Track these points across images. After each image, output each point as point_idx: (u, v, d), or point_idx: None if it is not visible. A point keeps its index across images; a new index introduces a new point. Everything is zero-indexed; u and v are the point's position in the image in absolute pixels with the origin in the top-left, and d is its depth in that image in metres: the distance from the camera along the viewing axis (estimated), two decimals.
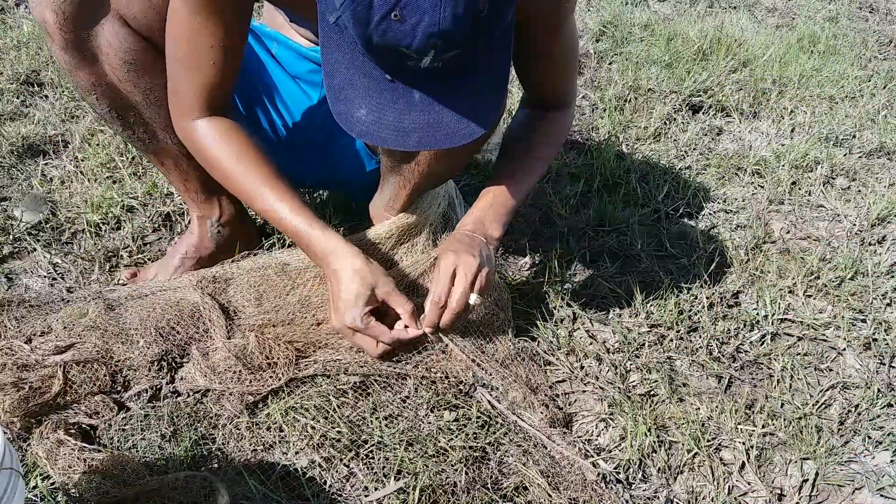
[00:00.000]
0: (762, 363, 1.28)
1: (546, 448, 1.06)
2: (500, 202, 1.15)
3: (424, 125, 0.85)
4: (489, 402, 1.11)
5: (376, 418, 1.06)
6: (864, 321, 1.38)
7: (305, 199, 1.11)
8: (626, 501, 1.01)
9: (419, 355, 1.14)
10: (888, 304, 1.44)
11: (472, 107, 0.87)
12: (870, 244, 1.63)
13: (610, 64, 2.45)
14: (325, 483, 0.99)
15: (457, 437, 1.05)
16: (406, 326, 1.07)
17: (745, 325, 1.36)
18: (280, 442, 1.03)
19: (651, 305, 1.37)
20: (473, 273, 1.04)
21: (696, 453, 1.09)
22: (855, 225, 1.68)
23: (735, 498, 1.04)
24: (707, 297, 1.39)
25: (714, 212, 1.72)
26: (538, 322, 1.29)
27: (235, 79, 1.07)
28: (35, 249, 1.39)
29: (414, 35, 0.74)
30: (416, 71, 0.80)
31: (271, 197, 1.06)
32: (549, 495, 0.99)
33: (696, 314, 1.37)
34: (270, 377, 1.07)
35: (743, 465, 1.09)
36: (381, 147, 1.18)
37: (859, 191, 1.83)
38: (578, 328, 1.31)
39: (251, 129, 1.11)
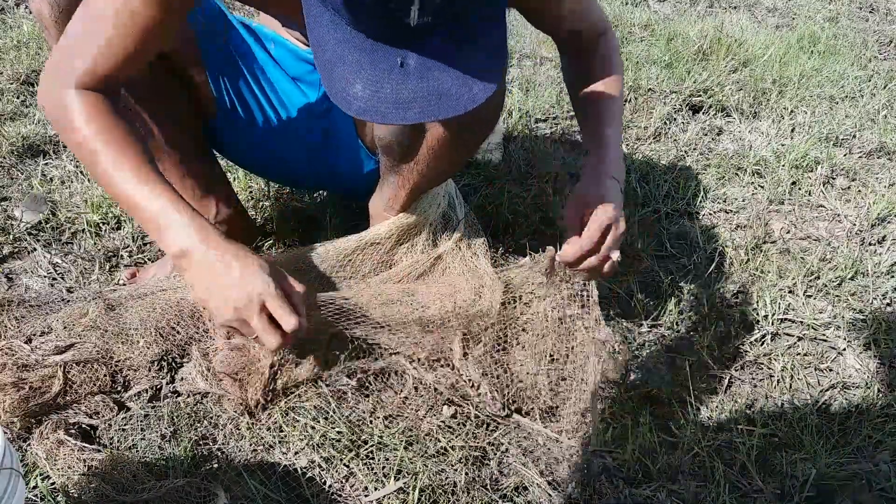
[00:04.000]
0: (762, 363, 1.28)
1: (545, 443, 1.06)
2: (610, 145, 1.11)
3: (425, 94, 0.79)
4: (489, 401, 1.11)
5: (376, 418, 1.06)
6: (864, 321, 1.38)
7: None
8: (627, 501, 1.01)
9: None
10: (888, 304, 1.44)
11: (473, 66, 0.80)
12: (870, 244, 1.63)
13: None
14: (325, 483, 0.99)
15: (457, 436, 1.05)
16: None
17: (745, 325, 1.36)
18: (280, 442, 1.03)
19: (651, 305, 1.37)
20: (621, 233, 1.04)
21: (696, 453, 1.09)
22: (855, 225, 1.68)
23: (735, 498, 1.04)
24: (707, 297, 1.39)
25: (714, 212, 1.72)
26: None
27: (135, 69, 0.95)
28: (35, 249, 1.39)
29: None
30: (407, 31, 0.75)
31: (133, 182, 0.92)
32: (550, 495, 0.99)
33: (696, 314, 1.37)
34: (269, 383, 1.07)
35: (743, 466, 1.09)
36: (381, 137, 1.16)
37: (859, 191, 1.83)
38: (579, 328, 1.31)
39: (125, 113, 0.98)
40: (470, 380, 1.12)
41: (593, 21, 1.17)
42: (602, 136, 1.12)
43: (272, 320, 0.92)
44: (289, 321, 0.92)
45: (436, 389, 1.10)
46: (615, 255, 1.04)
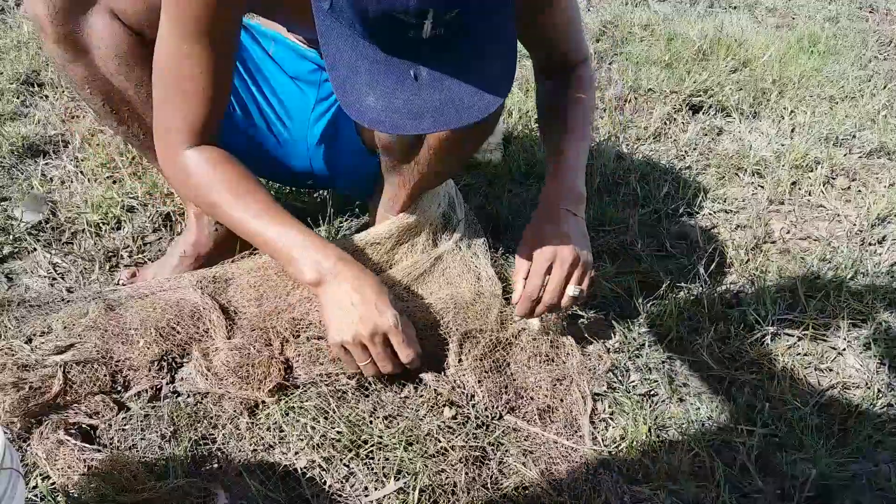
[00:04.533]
0: (762, 363, 1.28)
1: (545, 443, 1.06)
2: (568, 167, 1.12)
3: (437, 104, 0.81)
4: (486, 402, 1.11)
5: (376, 418, 1.06)
6: (864, 321, 1.38)
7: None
8: (626, 501, 1.01)
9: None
10: (888, 304, 1.44)
11: (484, 77, 0.82)
12: (870, 244, 1.63)
13: (610, 64, 2.45)
14: (325, 483, 0.99)
15: (457, 436, 1.05)
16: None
17: (745, 325, 1.36)
18: (280, 442, 1.03)
19: (651, 305, 1.37)
20: (569, 267, 1.04)
21: (696, 453, 1.09)
22: (855, 225, 1.68)
23: (735, 498, 1.04)
24: (707, 297, 1.39)
25: (714, 212, 1.72)
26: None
27: (224, 107, 1.04)
28: (35, 249, 1.39)
29: None
30: (420, 43, 0.77)
31: (263, 220, 1.03)
32: (550, 495, 0.99)
33: (696, 314, 1.37)
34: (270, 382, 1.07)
35: (743, 466, 1.09)
36: (381, 138, 1.16)
37: (859, 191, 1.83)
38: (579, 328, 1.31)
39: (237, 157, 1.09)
40: (464, 390, 1.11)
41: (576, 45, 1.19)
42: (560, 164, 1.13)
43: (388, 349, 1.03)
44: (408, 355, 1.03)
45: (436, 390, 1.10)
46: (571, 291, 1.05)
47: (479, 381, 1.12)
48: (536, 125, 2.00)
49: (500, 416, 1.10)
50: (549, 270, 1.06)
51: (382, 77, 0.80)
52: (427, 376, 1.11)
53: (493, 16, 0.81)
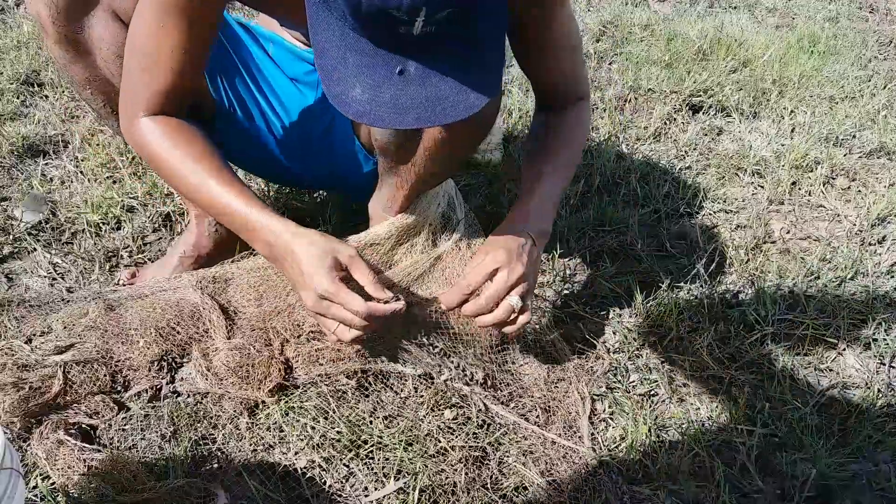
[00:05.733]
0: (762, 363, 1.28)
1: (544, 443, 1.06)
2: (541, 198, 1.11)
3: (423, 100, 0.81)
4: (485, 404, 1.11)
5: (376, 418, 1.06)
6: (864, 321, 1.38)
7: (255, 191, 1.06)
8: (627, 501, 1.01)
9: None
10: (888, 304, 1.44)
11: (472, 76, 0.82)
12: (870, 244, 1.63)
13: (610, 64, 2.45)
14: (325, 483, 0.99)
15: (457, 437, 1.05)
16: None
17: (745, 325, 1.36)
18: (280, 442, 1.03)
19: (651, 305, 1.37)
20: (516, 279, 1.00)
21: (696, 453, 1.09)
22: (855, 225, 1.68)
23: (735, 498, 1.04)
24: (707, 297, 1.39)
25: (714, 212, 1.72)
26: (539, 322, 1.29)
27: (193, 86, 1.03)
28: (35, 249, 1.39)
29: None
30: (410, 39, 0.77)
31: (217, 188, 0.99)
32: (550, 495, 0.99)
33: (696, 314, 1.37)
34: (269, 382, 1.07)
35: (743, 466, 1.09)
36: (378, 138, 1.16)
37: (859, 191, 1.83)
38: (579, 328, 1.31)
39: (200, 129, 1.06)
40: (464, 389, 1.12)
41: (578, 81, 1.18)
42: (534, 188, 1.11)
43: (341, 309, 0.96)
44: (357, 309, 0.95)
45: (437, 391, 1.10)
46: (512, 300, 1.00)
47: (479, 381, 1.12)
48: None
49: (503, 407, 1.10)
50: (494, 274, 1.02)
51: (370, 70, 0.80)
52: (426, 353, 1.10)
53: (485, 18, 0.82)
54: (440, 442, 1.03)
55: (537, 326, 1.27)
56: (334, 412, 1.05)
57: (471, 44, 0.82)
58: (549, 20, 1.08)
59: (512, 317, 1.02)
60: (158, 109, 1.01)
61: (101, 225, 1.47)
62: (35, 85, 1.98)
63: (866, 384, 1.24)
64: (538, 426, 1.10)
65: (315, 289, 0.95)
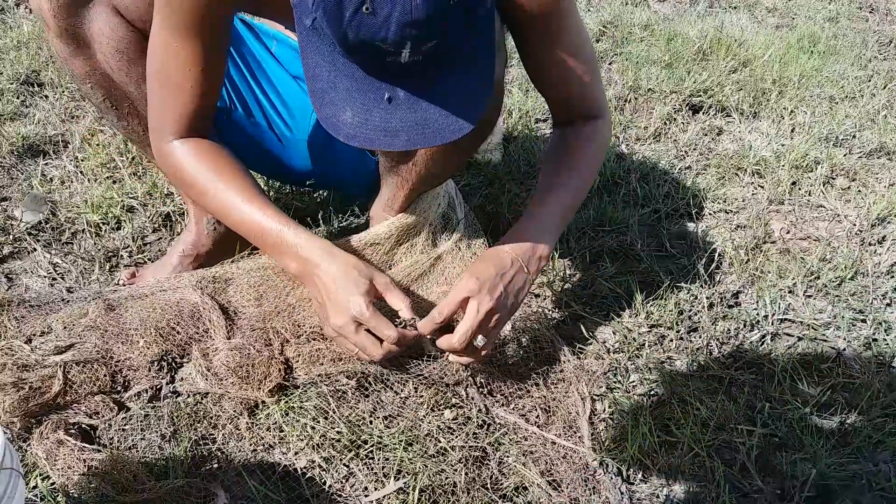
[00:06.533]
0: (762, 363, 1.28)
1: (544, 443, 1.06)
2: (542, 224, 1.10)
3: (412, 124, 0.83)
4: (485, 406, 1.11)
5: (376, 418, 1.06)
6: (864, 321, 1.38)
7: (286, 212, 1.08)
8: (627, 501, 1.01)
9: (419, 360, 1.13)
10: (888, 304, 1.44)
11: (459, 102, 0.85)
12: (870, 244, 1.63)
13: (610, 64, 2.45)
14: (325, 483, 0.99)
15: (456, 437, 1.05)
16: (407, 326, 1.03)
17: (745, 325, 1.36)
18: (280, 442, 1.03)
19: (651, 305, 1.37)
20: (486, 312, 1.01)
21: (696, 453, 1.09)
22: (855, 225, 1.68)
23: (735, 498, 1.04)
24: (707, 297, 1.39)
25: (714, 212, 1.72)
26: (538, 322, 1.29)
27: (215, 101, 1.06)
28: (35, 249, 1.39)
29: (388, 27, 0.73)
30: (398, 67, 0.79)
31: (249, 207, 1.03)
32: (550, 495, 0.99)
33: (696, 314, 1.37)
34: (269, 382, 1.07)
35: (743, 466, 1.09)
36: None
37: (859, 191, 1.83)
38: (579, 328, 1.31)
39: (229, 149, 1.09)
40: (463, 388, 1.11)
41: (586, 99, 1.15)
42: (536, 210, 1.11)
43: (369, 335, 1.00)
44: (387, 335, 0.99)
45: (437, 391, 1.10)
46: (476, 342, 1.02)
47: (478, 380, 1.12)
48: (537, 136, 2.00)
49: (503, 405, 1.10)
50: (466, 302, 1.02)
51: (360, 95, 0.83)
52: (428, 376, 1.11)
53: (470, 44, 0.84)
54: (440, 442, 1.03)
55: (537, 327, 1.27)
56: (334, 412, 1.05)
57: (458, 69, 0.84)
58: (553, 39, 1.06)
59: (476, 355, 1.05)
60: (185, 132, 1.04)
61: (101, 225, 1.47)
62: (35, 85, 1.98)
63: (866, 384, 1.24)
64: (538, 426, 1.10)
65: (350, 310, 0.98)
